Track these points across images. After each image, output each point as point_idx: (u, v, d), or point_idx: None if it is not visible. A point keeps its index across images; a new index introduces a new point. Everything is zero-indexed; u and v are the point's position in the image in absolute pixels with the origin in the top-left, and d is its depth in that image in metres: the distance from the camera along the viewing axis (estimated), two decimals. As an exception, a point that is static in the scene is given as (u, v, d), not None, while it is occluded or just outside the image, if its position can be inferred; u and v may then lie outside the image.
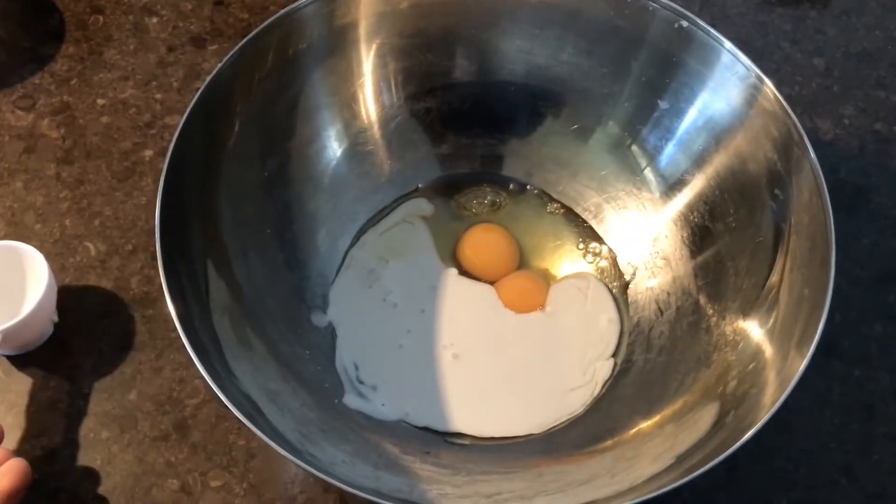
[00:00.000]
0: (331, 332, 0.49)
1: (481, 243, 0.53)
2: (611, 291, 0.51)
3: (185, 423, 0.46)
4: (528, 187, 0.55)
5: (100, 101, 0.58)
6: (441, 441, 0.46)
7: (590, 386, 0.48)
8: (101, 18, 0.63)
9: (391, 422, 0.46)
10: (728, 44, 0.45)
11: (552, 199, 0.54)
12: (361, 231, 0.53)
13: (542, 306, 0.51)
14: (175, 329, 0.49)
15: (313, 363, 0.46)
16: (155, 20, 0.63)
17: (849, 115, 0.61)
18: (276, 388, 0.41)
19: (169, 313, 0.49)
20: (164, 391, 0.47)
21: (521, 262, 0.53)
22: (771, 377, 0.40)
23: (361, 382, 0.47)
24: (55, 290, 0.47)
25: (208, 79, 0.45)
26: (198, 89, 0.59)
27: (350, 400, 0.46)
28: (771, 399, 0.38)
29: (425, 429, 0.46)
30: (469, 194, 0.55)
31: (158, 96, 0.59)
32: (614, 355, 0.49)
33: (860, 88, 0.62)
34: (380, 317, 0.50)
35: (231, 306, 0.43)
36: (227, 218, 0.45)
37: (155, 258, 0.52)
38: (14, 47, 0.61)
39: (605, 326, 0.50)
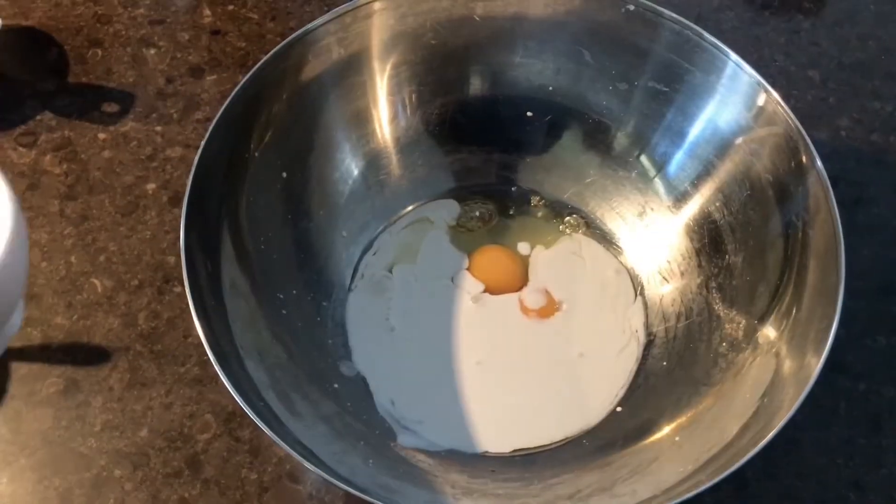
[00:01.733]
0: (362, 380, 0.49)
1: (488, 269, 0.53)
2: (599, 243, 0.54)
3: (196, 459, 0.47)
4: (540, 200, 0.55)
5: (101, 136, 0.59)
6: (501, 456, 0.46)
7: (632, 341, 0.49)
8: (99, 52, 0.63)
9: (447, 450, 0.46)
10: (734, 55, 0.47)
11: (565, 211, 0.55)
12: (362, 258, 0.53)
13: (558, 307, 0.51)
14: (184, 364, 0.50)
15: (356, 415, 0.46)
16: (153, 51, 0.63)
17: (845, 127, 0.61)
18: (336, 450, 0.41)
19: (176, 348, 0.50)
20: (174, 427, 0.47)
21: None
22: (781, 388, 0.40)
23: (405, 420, 0.47)
24: (26, 243, 0.27)
25: (222, 109, 0.45)
26: (198, 120, 0.60)
27: (404, 440, 0.46)
28: (782, 413, 0.38)
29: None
30: (480, 207, 0.55)
31: (159, 128, 0.59)
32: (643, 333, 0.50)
33: (856, 100, 0.62)
34: (405, 351, 0.50)
35: (272, 381, 0.42)
36: (254, 259, 0.46)
37: (161, 293, 0.52)
38: (14, 83, 0.61)
39: (615, 278, 0.52)
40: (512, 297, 0.52)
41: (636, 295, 0.52)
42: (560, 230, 0.55)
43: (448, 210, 0.55)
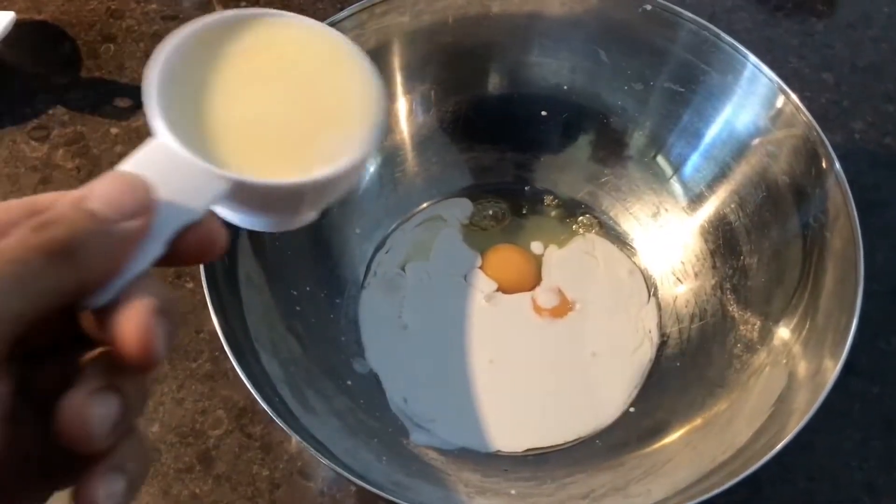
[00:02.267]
0: (375, 377, 0.49)
1: (501, 267, 0.53)
2: (613, 243, 0.54)
3: (208, 455, 0.47)
4: (553, 199, 0.55)
5: (113, 131, 0.59)
6: (514, 455, 0.46)
7: (645, 341, 0.49)
8: (112, 47, 0.63)
9: (460, 449, 0.46)
10: (752, 57, 0.47)
11: (578, 210, 0.55)
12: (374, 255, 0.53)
13: (571, 306, 0.51)
14: (196, 359, 0.50)
15: (369, 412, 0.46)
16: (166, 47, 0.63)
17: (859, 130, 0.61)
18: (349, 446, 0.41)
19: (188, 343, 0.50)
20: (186, 423, 0.47)
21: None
22: (797, 392, 0.40)
23: (417, 418, 0.47)
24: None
25: None
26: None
27: (417, 437, 0.46)
28: (798, 416, 0.38)
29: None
30: (493, 206, 0.55)
31: (171, 124, 0.59)
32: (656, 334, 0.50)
33: (869, 102, 0.62)
34: (417, 349, 0.50)
35: (286, 376, 0.42)
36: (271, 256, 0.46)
37: (173, 287, 0.52)
38: (27, 77, 0.61)
39: (628, 279, 0.52)
40: (525, 297, 0.51)
41: (650, 296, 0.51)
42: (573, 230, 0.54)
43: (461, 209, 0.55)
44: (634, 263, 0.53)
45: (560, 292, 0.51)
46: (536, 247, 0.54)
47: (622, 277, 0.52)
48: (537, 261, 0.53)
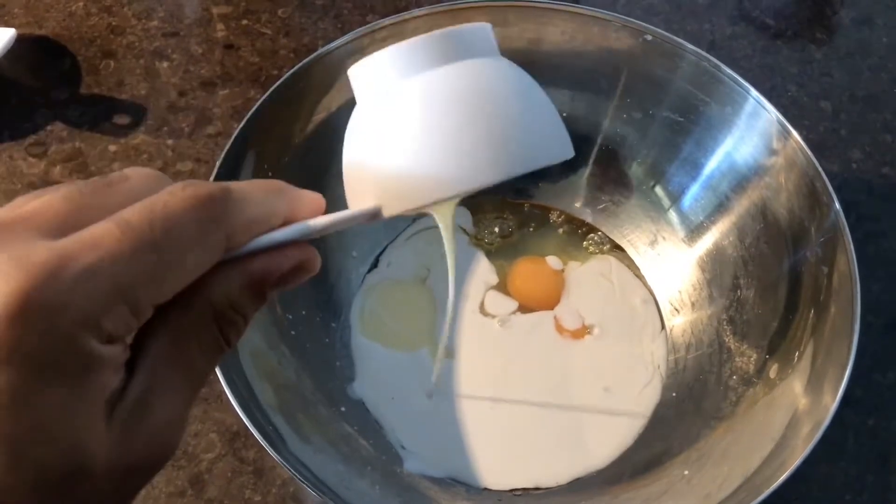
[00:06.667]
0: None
1: (532, 279, 0.53)
2: (629, 268, 0.53)
3: (200, 479, 0.46)
4: (561, 215, 0.55)
5: (111, 148, 0.59)
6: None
7: (655, 377, 0.49)
8: (112, 63, 0.63)
9: (452, 478, 0.45)
10: (754, 91, 0.47)
11: (586, 227, 0.55)
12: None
13: (590, 330, 0.51)
14: (190, 381, 0.49)
15: (363, 438, 0.45)
16: (165, 64, 0.63)
17: (857, 160, 0.61)
18: (343, 475, 0.41)
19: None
20: (178, 445, 0.47)
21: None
22: (794, 427, 0.40)
23: (406, 447, 0.46)
24: None
25: (238, 128, 0.44)
26: (209, 135, 0.60)
27: (411, 465, 0.45)
28: (795, 451, 0.38)
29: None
30: (499, 222, 0.55)
31: (170, 142, 0.59)
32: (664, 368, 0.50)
33: (867, 132, 0.62)
34: (412, 380, 0.49)
35: (279, 402, 0.42)
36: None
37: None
38: (26, 92, 0.61)
39: (641, 308, 0.51)
40: (544, 316, 0.51)
41: (662, 327, 0.51)
42: (584, 247, 0.54)
43: (462, 219, 0.55)
44: (649, 291, 0.52)
45: (580, 315, 0.51)
46: (553, 262, 0.53)
47: (636, 305, 0.52)
48: (562, 278, 0.53)
